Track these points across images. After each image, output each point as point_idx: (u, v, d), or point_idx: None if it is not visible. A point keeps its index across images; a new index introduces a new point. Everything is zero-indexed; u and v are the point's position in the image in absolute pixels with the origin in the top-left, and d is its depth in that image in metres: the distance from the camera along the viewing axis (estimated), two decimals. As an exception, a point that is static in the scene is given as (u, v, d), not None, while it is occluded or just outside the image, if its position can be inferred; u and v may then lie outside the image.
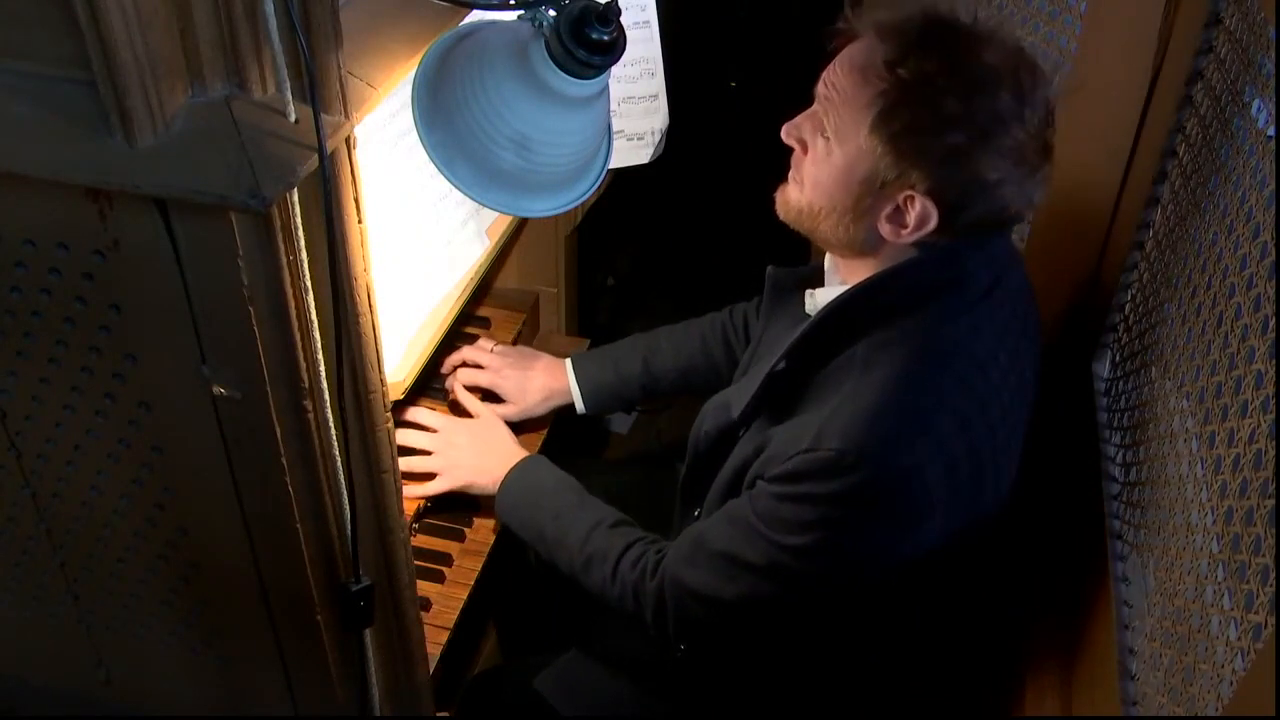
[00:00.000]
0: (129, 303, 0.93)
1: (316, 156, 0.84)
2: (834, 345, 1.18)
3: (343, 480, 1.04)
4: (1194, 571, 1.11)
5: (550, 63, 0.97)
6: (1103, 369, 1.61)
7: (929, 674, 1.43)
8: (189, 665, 1.27)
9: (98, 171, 0.83)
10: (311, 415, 0.99)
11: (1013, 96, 1.08)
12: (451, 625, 1.44)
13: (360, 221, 0.94)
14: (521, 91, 0.98)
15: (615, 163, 1.39)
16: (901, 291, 1.16)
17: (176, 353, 0.95)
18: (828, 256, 1.29)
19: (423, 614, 1.33)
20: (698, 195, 2.78)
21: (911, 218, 1.12)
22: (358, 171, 0.92)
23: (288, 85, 0.84)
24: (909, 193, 1.11)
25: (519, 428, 1.61)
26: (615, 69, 1.01)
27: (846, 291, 1.18)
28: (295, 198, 0.87)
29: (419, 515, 1.53)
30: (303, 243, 0.90)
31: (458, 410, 1.61)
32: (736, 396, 1.27)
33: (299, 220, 0.89)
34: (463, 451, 1.50)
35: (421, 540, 1.52)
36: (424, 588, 1.43)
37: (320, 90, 0.85)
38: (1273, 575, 0.95)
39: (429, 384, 1.66)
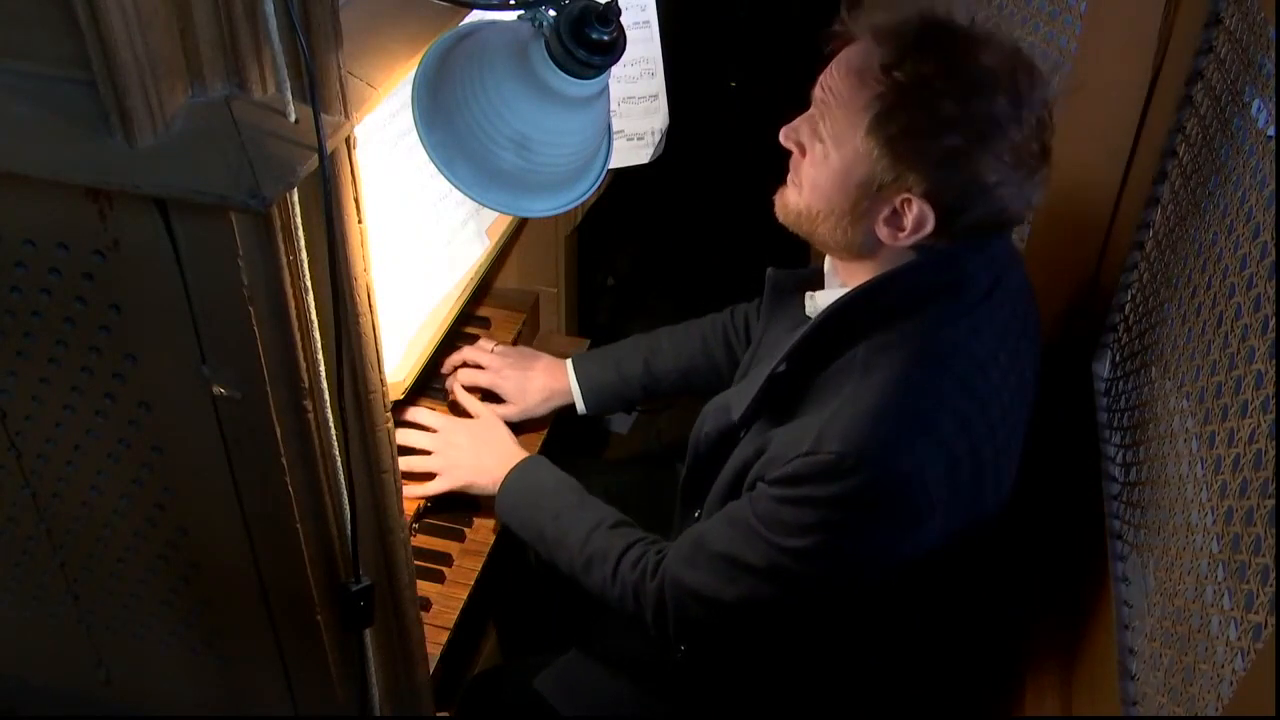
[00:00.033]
0: (129, 303, 0.93)
1: (316, 156, 0.84)
2: (834, 348, 1.18)
3: (343, 480, 1.04)
4: (1194, 571, 1.11)
5: (550, 63, 0.97)
6: (1103, 369, 1.61)
7: (929, 675, 1.43)
8: (189, 665, 1.27)
9: (98, 171, 0.83)
10: (311, 415, 0.99)
11: (1010, 99, 1.08)
12: (451, 625, 1.44)
13: (360, 221, 0.94)
14: (521, 91, 0.98)
15: (615, 163, 1.39)
16: (900, 295, 1.16)
17: (176, 353, 0.95)
18: (827, 259, 1.29)
19: (423, 614, 1.33)
20: (698, 195, 2.78)
21: (908, 221, 1.12)
22: (358, 171, 0.92)
23: (288, 85, 0.84)
24: (906, 195, 1.11)
25: (519, 428, 1.61)
26: (615, 69, 1.01)
27: (846, 295, 1.18)
28: (295, 198, 0.88)
29: (419, 515, 1.53)
30: (303, 243, 0.90)
31: (458, 410, 1.61)
32: (737, 398, 1.27)
33: (299, 220, 0.89)
34: (463, 451, 1.50)
35: (421, 540, 1.52)
36: (424, 588, 1.43)
37: (320, 90, 0.85)
38: (1273, 575, 0.95)
39: (429, 384, 1.66)
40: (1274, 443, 0.99)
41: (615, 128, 1.21)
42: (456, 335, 1.72)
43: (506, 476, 1.46)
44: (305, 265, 0.91)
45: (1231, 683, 0.98)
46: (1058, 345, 1.55)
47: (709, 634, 1.31)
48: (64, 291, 0.94)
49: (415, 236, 1.43)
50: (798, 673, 1.37)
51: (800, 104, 1.21)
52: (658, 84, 1.62)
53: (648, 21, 1.60)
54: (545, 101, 0.99)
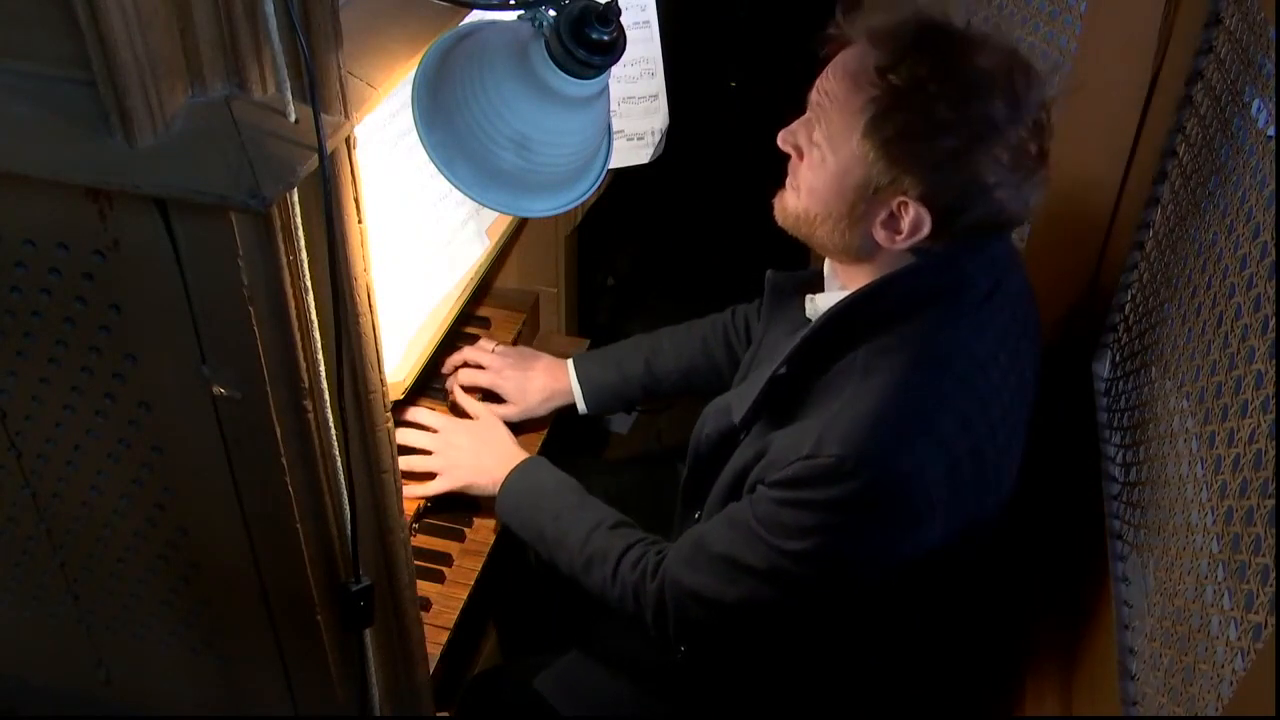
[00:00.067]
0: (129, 303, 0.93)
1: (316, 156, 0.84)
2: (834, 351, 1.18)
3: (343, 480, 1.04)
4: (1194, 571, 1.11)
5: (550, 63, 0.97)
6: (1103, 369, 1.61)
7: (929, 675, 1.43)
8: (189, 665, 1.27)
9: (98, 171, 0.83)
10: (311, 415, 0.99)
11: (1006, 101, 1.08)
12: (451, 625, 1.44)
13: (360, 221, 0.94)
14: (521, 91, 0.98)
15: (615, 163, 1.39)
16: (900, 298, 1.16)
17: (176, 353, 0.95)
18: (827, 261, 1.29)
19: (423, 614, 1.33)
20: (698, 195, 2.78)
21: (905, 224, 1.12)
22: (358, 171, 0.92)
23: (288, 85, 0.84)
24: (902, 199, 1.11)
25: (519, 428, 1.61)
26: (615, 69, 1.01)
27: (846, 298, 1.18)
28: (295, 198, 0.87)
29: (419, 515, 1.53)
30: (303, 243, 0.90)
31: (458, 411, 1.61)
32: (737, 401, 1.27)
33: (299, 220, 0.89)
34: (463, 452, 1.50)
35: (421, 540, 1.52)
36: (424, 588, 1.43)
37: (320, 90, 0.85)
38: (1273, 575, 0.95)
39: (429, 384, 1.66)
40: (1274, 443, 0.99)
41: (615, 128, 1.21)
42: (456, 335, 1.72)
43: (507, 477, 1.46)
44: (305, 265, 0.91)
45: (1231, 683, 0.98)
46: (1058, 345, 1.55)
47: (709, 635, 1.31)
48: (64, 291, 0.94)
49: (415, 236, 1.43)
50: (798, 673, 1.37)
51: (800, 105, 1.21)
52: (658, 84, 1.62)
53: (648, 21, 1.60)
54: (545, 101, 0.99)
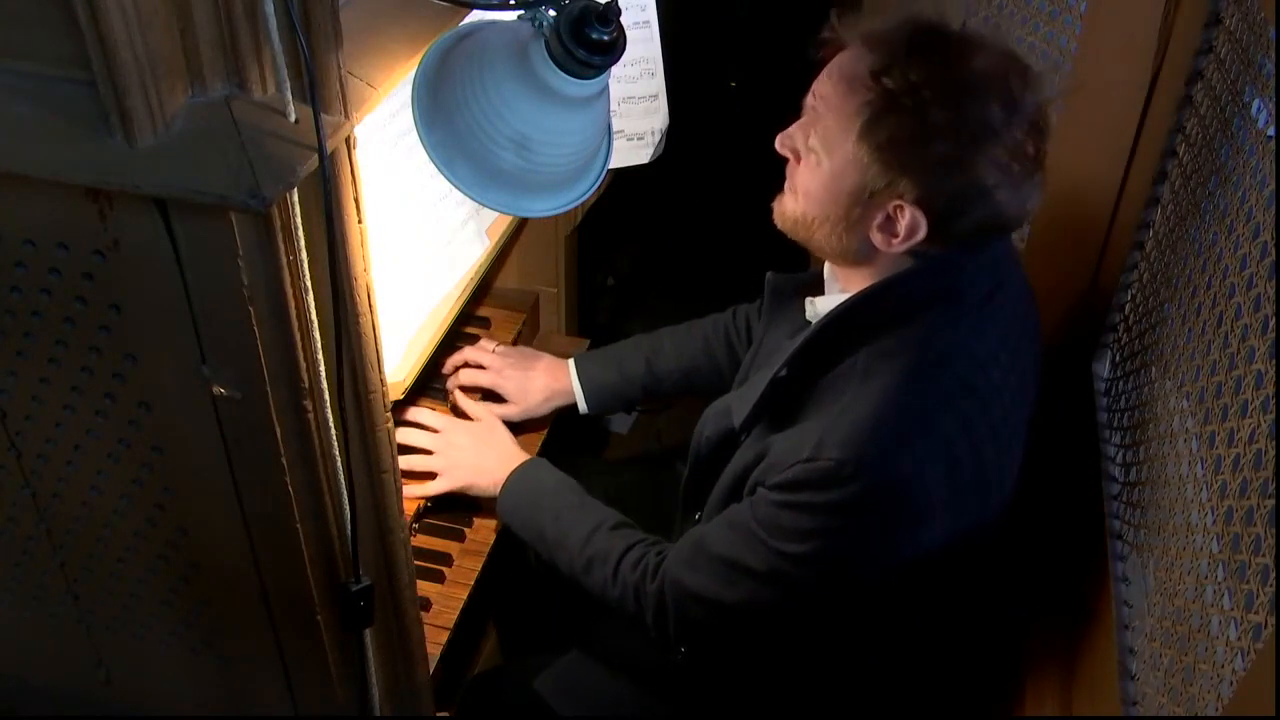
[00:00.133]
0: (129, 303, 0.93)
1: (316, 156, 0.84)
2: (834, 354, 1.18)
3: (343, 480, 1.04)
4: (1194, 571, 1.11)
5: (550, 63, 0.97)
6: (1103, 369, 1.61)
7: (929, 675, 1.43)
8: (189, 665, 1.27)
9: (98, 171, 0.83)
10: (311, 415, 0.99)
11: (1002, 103, 1.08)
12: (451, 625, 1.44)
13: (360, 221, 0.94)
14: (521, 91, 0.98)
15: (615, 163, 1.39)
16: (899, 301, 1.16)
17: (176, 353, 0.95)
18: (827, 264, 1.28)
19: (423, 614, 1.33)
20: (698, 195, 2.78)
21: (901, 227, 1.12)
22: (358, 171, 0.92)
23: (288, 85, 0.84)
24: (898, 202, 1.11)
25: (519, 428, 1.61)
26: (615, 69, 1.01)
27: (846, 301, 1.18)
28: (295, 198, 0.87)
29: (419, 515, 1.53)
30: (303, 243, 0.90)
31: (459, 412, 1.61)
32: (738, 403, 1.27)
33: (299, 220, 0.89)
34: (463, 452, 1.50)
35: (421, 540, 1.52)
36: (424, 588, 1.43)
37: (320, 90, 0.85)
38: (1273, 575, 0.95)
39: (429, 384, 1.66)
40: (1274, 443, 0.99)
41: (615, 128, 1.21)
42: (456, 335, 1.72)
43: (508, 478, 1.46)
44: (305, 265, 0.91)
45: (1231, 683, 0.99)
46: (1058, 345, 1.55)
47: (709, 635, 1.31)
48: (64, 291, 0.94)
49: (415, 236, 1.43)
50: (798, 673, 1.37)
51: (800, 105, 1.21)
52: (658, 84, 1.62)
53: (648, 21, 1.60)
54: (545, 101, 0.99)
